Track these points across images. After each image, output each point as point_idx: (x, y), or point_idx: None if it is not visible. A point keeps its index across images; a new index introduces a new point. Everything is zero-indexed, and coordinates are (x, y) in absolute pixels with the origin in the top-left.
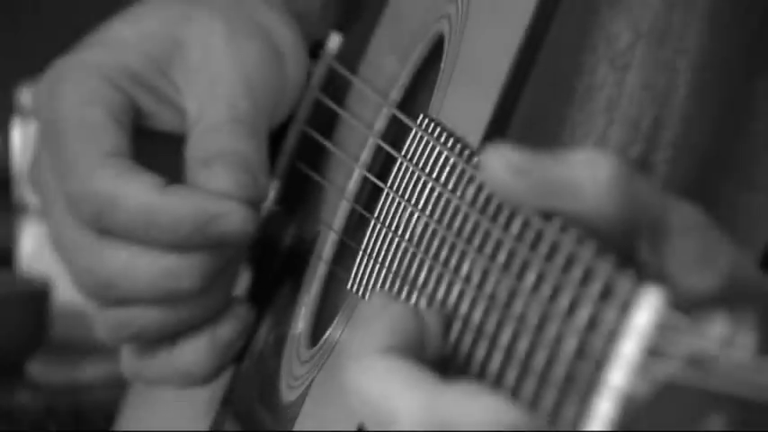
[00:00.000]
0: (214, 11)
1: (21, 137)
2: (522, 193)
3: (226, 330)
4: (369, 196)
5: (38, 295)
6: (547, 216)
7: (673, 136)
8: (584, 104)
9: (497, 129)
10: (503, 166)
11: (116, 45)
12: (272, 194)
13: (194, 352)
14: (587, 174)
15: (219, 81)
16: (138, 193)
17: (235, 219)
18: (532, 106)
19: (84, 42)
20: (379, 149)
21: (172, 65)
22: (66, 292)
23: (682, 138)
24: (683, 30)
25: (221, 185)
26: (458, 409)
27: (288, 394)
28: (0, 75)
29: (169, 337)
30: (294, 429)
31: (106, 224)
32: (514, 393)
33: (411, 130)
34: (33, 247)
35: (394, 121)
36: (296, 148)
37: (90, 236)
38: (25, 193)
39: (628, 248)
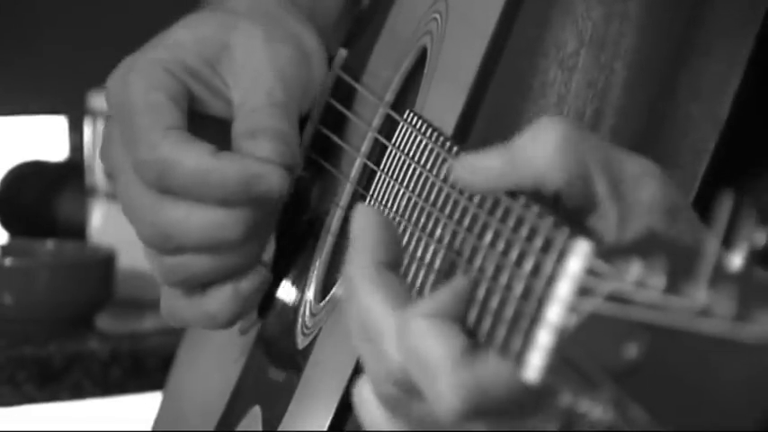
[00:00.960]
0: (255, 20)
1: (91, 133)
2: (490, 183)
3: (247, 284)
4: (368, 179)
5: (105, 261)
6: (514, 194)
7: (610, 125)
8: (538, 100)
9: (467, 120)
10: (466, 169)
11: (175, 46)
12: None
13: (220, 299)
14: (536, 143)
15: (259, 75)
16: (194, 156)
17: (274, 178)
18: (496, 102)
19: (150, 43)
20: (375, 141)
21: (221, 63)
22: (127, 259)
23: (619, 125)
24: (618, 37)
25: (264, 153)
26: (420, 341)
27: (302, 341)
28: (73, 81)
29: (209, 282)
30: (306, 371)
31: (167, 184)
32: (474, 330)
33: (399, 123)
34: (101, 223)
35: (388, 118)
36: (311, 143)
37: (152, 195)
38: (95, 179)
39: (589, 201)
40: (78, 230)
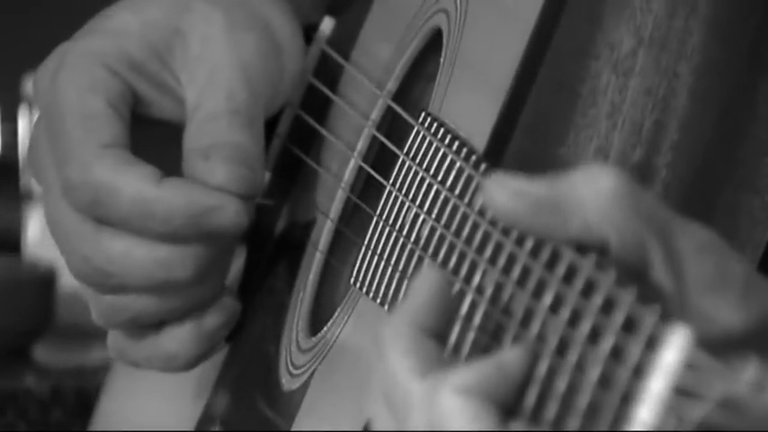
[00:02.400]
0: (215, 3)
1: (27, 125)
2: (524, 214)
3: (211, 320)
4: (364, 185)
5: (44, 280)
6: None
7: (674, 139)
8: (587, 109)
9: (502, 132)
10: (502, 190)
11: (118, 33)
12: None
13: (179, 338)
14: (587, 188)
15: (218, 71)
16: (134, 183)
17: (228, 212)
18: (537, 110)
19: (86, 28)
20: (374, 138)
21: (172, 54)
22: (70, 278)
23: (682, 141)
24: (684, 35)
25: (218, 178)
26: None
27: (289, 382)
28: (6, 64)
29: (158, 322)
30: (297, 419)
31: (102, 213)
32: (535, 416)
33: (411, 126)
34: (39, 234)
35: (389, 111)
36: (289, 132)
37: (87, 224)
38: (32, 180)
39: (641, 269)
40: (11, 243)
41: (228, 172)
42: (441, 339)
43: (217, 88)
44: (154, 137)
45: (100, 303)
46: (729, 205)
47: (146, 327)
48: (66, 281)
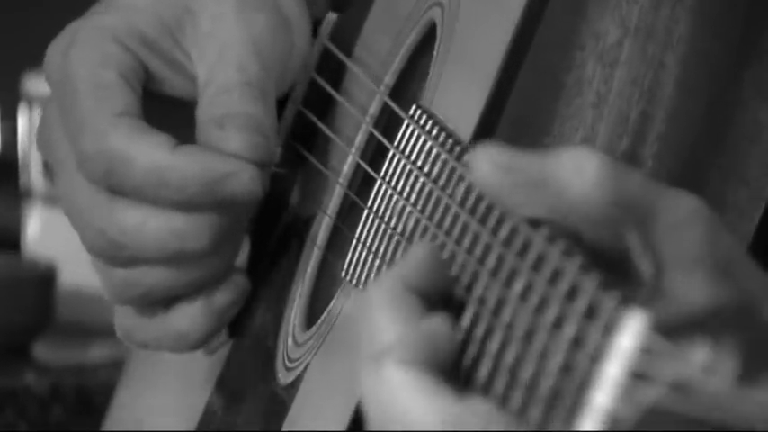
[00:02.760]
0: None
1: (26, 123)
2: (507, 189)
3: (222, 297)
4: (362, 182)
5: (44, 278)
6: (534, 224)
7: (660, 130)
8: (572, 99)
9: (488, 122)
10: (490, 164)
11: (129, 10)
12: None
13: (189, 315)
14: (574, 169)
15: (229, 46)
16: (149, 151)
17: (244, 178)
18: (523, 101)
19: (97, 6)
20: (372, 134)
21: (183, 31)
22: (71, 276)
23: (669, 132)
24: (670, 25)
25: (234, 146)
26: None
27: (284, 376)
28: (6, 63)
29: (171, 298)
30: (290, 412)
31: (117, 182)
32: (503, 403)
33: (404, 121)
34: (39, 232)
35: (387, 106)
36: (293, 128)
37: (101, 196)
38: (31, 178)
39: (620, 246)
40: (11, 241)
41: (243, 140)
42: (426, 300)
43: (228, 63)
44: (166, 115)
45: (112, 278)
46: (716, 196)
47: (156, 305)
48: (66, 278)
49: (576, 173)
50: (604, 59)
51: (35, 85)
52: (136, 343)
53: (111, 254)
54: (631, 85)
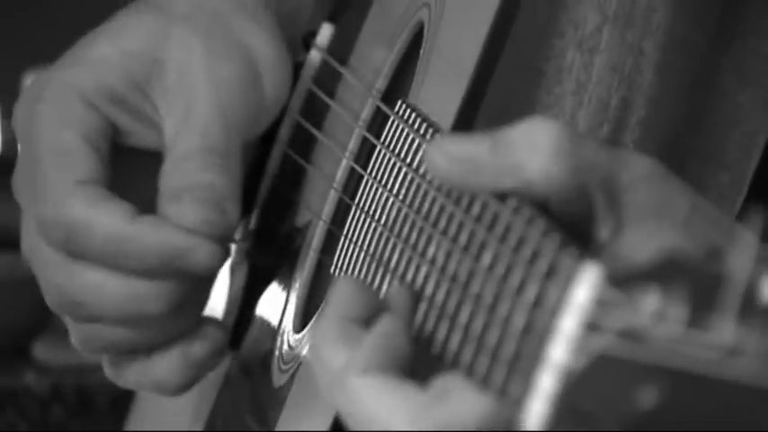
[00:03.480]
0: (194, 26)
1: None
2: (466, 178)
3: (198, 349)
4: (355, 185)
5: None
6: (503, 197)
7: (640, 116)
8: (552, 87)
9: (467, 113)
10: (441, 155)
11: (97, 64)
12: (240, 230)
13: (167, 366)
14: (526, 147)
15: (194, 107)
16: (108, 221)
17: (201, 254)
18: (502, 91)
19: (66, 58)
20: (365, 138)
21: (151, 85)
22: None
23: (649, 118)
24: (648, 12)
25: (190, 221)
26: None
27: (278, 378)
28: (6, 62)
29: (142, 351)
30: (283, 414)
31: (76, 250)
32: (469, 372)
33: (390, 118)
34: None
35: (379, 110)
36: (291, 138)
37: (60, 256)
38: None
39: (586, 213)
40: (11, 240)
41: (198, 214)
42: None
43: (192, 126)
44: (136, 165)
45: (76, 331)
46: (697, 180)
47: (134, 354)
48: None
49: (531, 149)
50: (584, 47)
51: None
52: (121, 384)
53: (71, 311)
54: (611, 71)
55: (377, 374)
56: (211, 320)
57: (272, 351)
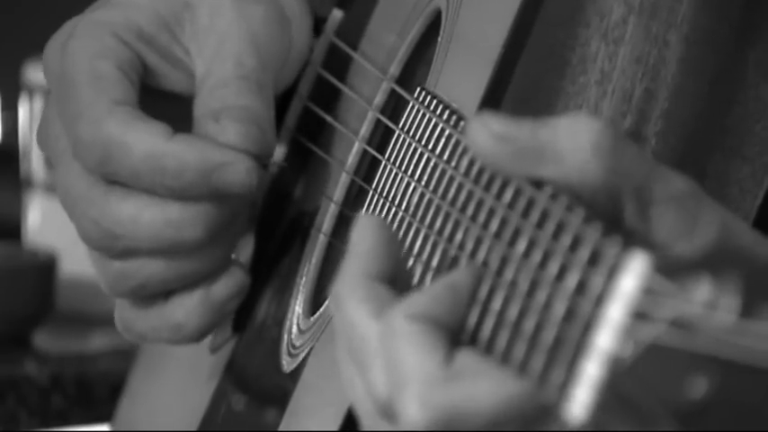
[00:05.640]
0: None
1: (27, 113)
2: (505, 159)
3: (220, 289)
4: (368, 169)
5: (44, 267)
6: (538, 184)
7: (663, 108)
8: (577, 77)
9: (492, 101)
10: (485, 132)
11: (127, 5)
12: (278, 153)
13: (187, 307)
14: (569, 139)
15: (226, 40)
16: (146, 138)
17: (239, 169)
18: (526, 79)
19: (96, 3)
20: (377, 123)
21: (181, 27)
22: (71, 265)
23: (672, 110)
24: (673, 4)
25: (230, 138)
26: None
27: (288, 363)
28: (6, 53)
29: (168, 290)
30: (293, 398)
31: (113, 169)
32: (504, 358)
33: (409, 103)
34: (40, 221)
35: (392, 95)
36: (298, 123)
37: (97, 187)
38: (32, 168)
39: (613, 215)
40: (12, 230)
41: (239, 131)
42: (392, 282)
43: (225, 57)
44: (163, 109)
45: (108, 270)
46: (719, 173)
47: (154, 297)
48: (67, 267)
49: (574, 141)
50: (608, 37)
51: (36, 74)
52: (134, 335)
53: (106, 245)
54: (635, 63)
55: (427, 324)
56: (234, 260)
57: (279, 338)
